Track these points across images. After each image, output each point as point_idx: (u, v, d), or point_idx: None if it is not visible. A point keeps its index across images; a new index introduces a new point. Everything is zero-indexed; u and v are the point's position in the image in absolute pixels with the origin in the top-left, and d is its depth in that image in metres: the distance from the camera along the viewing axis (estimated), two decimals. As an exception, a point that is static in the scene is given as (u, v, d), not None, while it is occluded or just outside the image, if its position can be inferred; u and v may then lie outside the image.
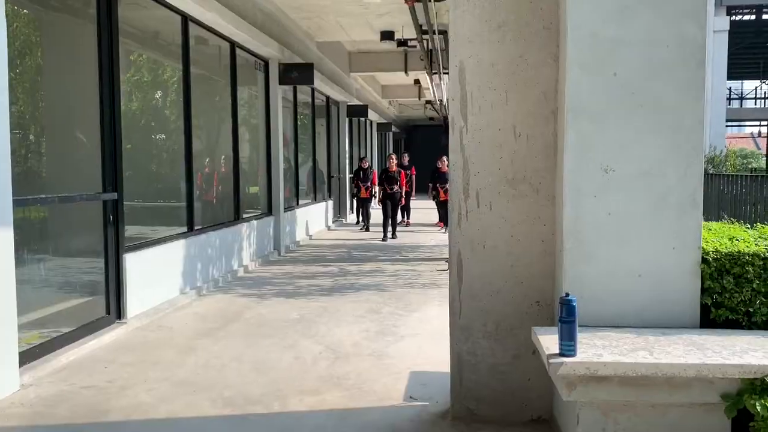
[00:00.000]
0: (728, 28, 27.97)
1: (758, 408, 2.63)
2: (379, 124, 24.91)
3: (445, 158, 13.81)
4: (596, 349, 2.89)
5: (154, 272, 6.54)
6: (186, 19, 7.46)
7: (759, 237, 3.44)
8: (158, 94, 7.67)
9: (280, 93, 10.92)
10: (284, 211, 11.18)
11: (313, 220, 13.74)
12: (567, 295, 2.88)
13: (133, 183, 6.38)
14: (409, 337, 5.56)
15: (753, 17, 36.26)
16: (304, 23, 11.76)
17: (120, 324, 5.78)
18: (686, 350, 2.86)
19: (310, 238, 13.11)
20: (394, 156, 14.08)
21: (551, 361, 2.80)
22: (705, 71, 3.17)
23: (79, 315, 5.48)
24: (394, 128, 28.25)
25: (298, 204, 12.72)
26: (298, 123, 13.12)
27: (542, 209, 3.62)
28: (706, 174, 16.83)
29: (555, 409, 3.65)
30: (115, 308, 5.84)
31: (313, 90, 13.78)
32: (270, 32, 9.94)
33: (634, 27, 3.16)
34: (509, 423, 3.68)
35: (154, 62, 7.54)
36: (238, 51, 9.28)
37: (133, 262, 6.03)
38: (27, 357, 4.54)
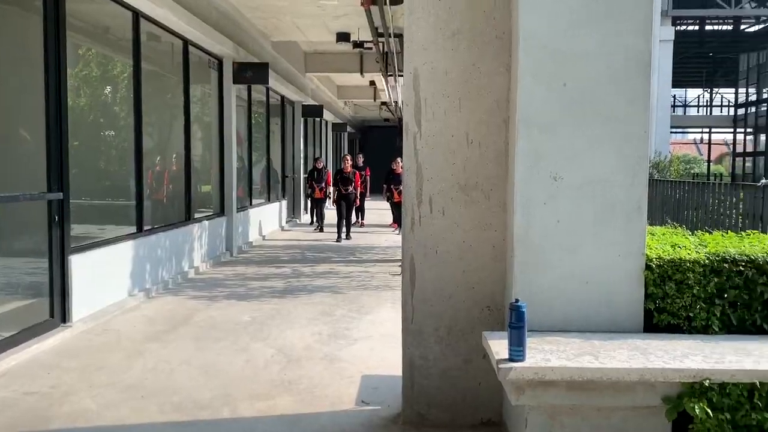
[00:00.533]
0: (673, 37, 28.89)
1: (697, 411, 2.73)
2: (334, 124, 24.84)
3: (399, 160, 13.86)
4: (544, 354, 2.95)
5: (101, 274, 6.36)
6: (137, 14, 7.29)
7: (699, 244, 3.57)
8: (107, 90, 7.46)
9: (234, 92, 10.78)
10: (237, 212, 11.04)
11: (266, 220, 13.60)
12: (517, 301, 2.93)
13: (80, 181, 6.20)
14: (361, 340, 5.57)
15: (696, 28, 37.64)
16: (260, 23, 11.64)
17: (65, 327, 5.60)
18: (630, 355, 2.95)
19: (264, 239, 12.98)
20: (349, 157, 14.07)
21: (501, 366, 2.85)
22: (650, 83, 3.27)
23: (21, 318, 5.29)
24: (349, 128, 28.24)
25: (251, 204, 12.57)
26: (253, 122, 12.97)
27: (494, 216, 3.68)
28: (652, 179, 17.37)
29: (505, 413, 3.71)
30: (60, 311, 5.67)
31: (267, 89, 13.66)
32: (224, 31, 9.80)
33: (584, 39, 3.24)
34: (460, 426, 3.72)
35: (104, 58, 7.34)
36: (191, 48, 9.12)
37: (79, 264, 5.86)
38: (-36, 363, 4.37)
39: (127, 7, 7.06)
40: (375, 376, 4.61)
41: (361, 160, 16.92)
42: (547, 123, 3.28)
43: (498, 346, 3.04)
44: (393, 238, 13.06)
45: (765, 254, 3.28)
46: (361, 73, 16.11)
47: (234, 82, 10.64)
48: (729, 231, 4.06)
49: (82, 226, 6.38)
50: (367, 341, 5.52)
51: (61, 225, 5.62)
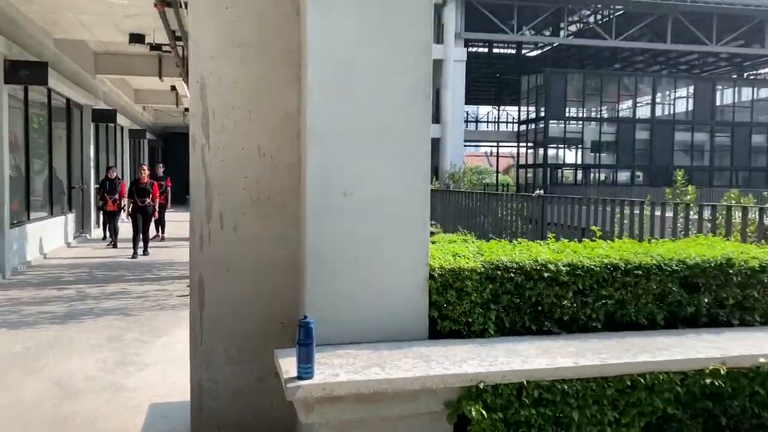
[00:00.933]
0: (466, 58, 31.40)
1: (473, 413, 2.90)
2: (131, 131, 23.21)
3: (145, 166, 13.32)
4: (333, 369, 2.95)
5: None
6: None
7: (477, 253, 3.82)
8: None
9: (5, 92, 9.58)
10: (10, 227, 9.79)
11: (48, 236, 12.25)
12: (305, 317, 2.90)
13: None
14: (153, 365, 5.19)
15: (486, 50, 41.30)
16: (37, 18, 10.48)
17: None
18: (414, 363, 3.05)
19: (45, 258, 11.67)
20: (145, 167, 13.22)
21: (288, 385, 2.79)
22: (431, 104, 3.44)
23: None
24: (149, 135, 26.61)
25: (29, 218, 11.23)
26: (31, 126, 11.62)
27: (287, 230, 3.62)
28: (448, 189, 18.61)
29: (298, 430, 3.66)
30: None
31: (49, 90, 12.34)
32: (-8, 22, 8.68)
33: (372, 58, 3.31)
34: (253, 448, 3.60)
35: None
36: (-52, 41, 7.93)
37: None
38: None
39: None
40: (164, 403, 4.31)
41: (161, 169, 16.02)
42: (336, 138, 3.29)
43: (288, 364, 2.97)
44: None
45: (532, 261, 3.59)
46: (160, 77, 15.26)
47: (6, 82, 9.46)
48: (517, 234, 4.43)
49: None
50: (159, 366, 5.16)
51: None
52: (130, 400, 4.35)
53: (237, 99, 3.53)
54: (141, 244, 12.29)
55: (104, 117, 16.32)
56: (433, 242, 4.03)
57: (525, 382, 2.97)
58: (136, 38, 11.63)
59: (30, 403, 4.29)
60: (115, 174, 14.05)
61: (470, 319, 3.48)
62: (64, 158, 14.23)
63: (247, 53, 3.51)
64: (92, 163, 16.02)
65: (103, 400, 4.35)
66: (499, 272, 3.51)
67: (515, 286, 3.53)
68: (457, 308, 3.46)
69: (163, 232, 15.24)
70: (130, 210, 12.63)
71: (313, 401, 2.86)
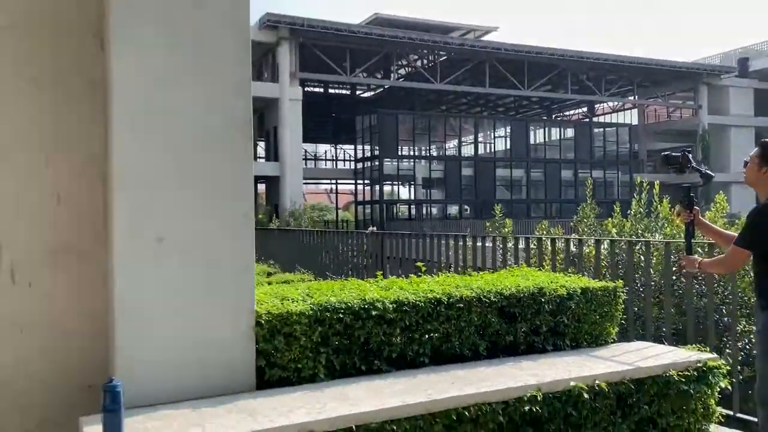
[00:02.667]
0: (302, 97, 31.75)
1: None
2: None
3: None
4: (145, 437, 2.68)
5: None
6: None
7: (307, 295, 3.73)
8: None
9: None
10: None
11: None
12: (110, 380, 2.61)
13: None
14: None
15: (322, 90, 42.10)
16: None
17: None
18: (239, 418, 2.86)
19: None
20: None
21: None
22: (251, 142, 3.33)
23: None
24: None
25: None
26: None
27: (93, 281, 3.28)
28: (287, 227, 18.44)
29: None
30: None
31: None
32: None
33: (183, 96, 3.14)
34: None
35: None
36: None
37: None
38: None
39: None
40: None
41: None
42: (146, 180, 3.07)
43: (94, 433, 2.65)
44: None
45: (360, 301, 3.57)
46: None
47: None
48: (358, 269, 4.37)
49: None
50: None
51: None
52: None
53: (29, 138, 3.17)
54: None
55: None
56: (269, 283, 3.88)
57: (354, 428, 2.90)
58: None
59: None
60: None
61: (300, 365, 3.37)
62: None
63: (41, 88, 3.18)
64: None
65: None
66: (327, 314, 3.44)
67: (344, 326, 3.47)
68: (286, 355, 3.34)
69: None
70: None
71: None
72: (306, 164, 38.76)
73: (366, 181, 35.75)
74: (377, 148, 33.75)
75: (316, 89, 41.72)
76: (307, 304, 3.49)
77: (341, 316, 3.47)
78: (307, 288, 3.94)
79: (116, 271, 3.03)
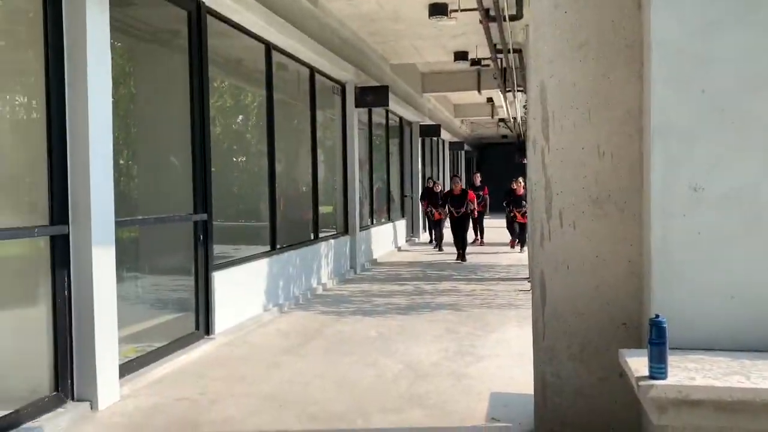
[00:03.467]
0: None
1: None
2: (451, 143, 24.95)
3: (521, 180, 13.63)
4: (688, 372, 2.81)
5: (240, 290, 6.80)
6: (269, 46, 7.79)
7: None
8: (242, 119, 8.01)
9: (356, 115, 11.18)
10: (359, 231, 11.36)
11: (386, 239, 13.88)
12: (657, 316, 2.82)
13: (219, 204, 6.68)
14: (488, 358, 5.54)
15: None
16: (379, 47, 12.01)
17: (208, 339, 6.03)
18: (788, 375, 2.74)
19: (384, 257, 13.24)
20: (457, 179, 13.89)
21: (641, 383, 2.74)
22: (800, 85, 3.05)
23: (171, 330, 5.77)
24: (466, 147, 28.20)
25: (372, 223, 12.89)
26: (373, 144, 13.34)
27: (628, 229, 3.56)
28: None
29: (644, 434, 3.55)
30: (204, 324, 6.11)
31: (387, 111, 14.01)
32: (347, 57, 10.22)
33: (722, 42, 3.09)
34: (595, 447, 3.61)
35: (239, 88, 7.90)
36: (317, 76, 9.58)
37: (220, 280, 6.30)
38: (126, 370, 4.82)
39: (261, 40, 7.57)
40: (505, 393, 4.57)
41: (478, 179, 16.84)
42: (683, 132, 3.14)
43: (637, 363, 2.92)
44: (515, 257, 12.87)
45: None
46: (479, 91, 16.12)
47: (356, 106, 11.04)
48: None
49: (222, 245, 6.86)
50: (494, 359, 5.48)
51: (206, 244, 6.08)
52: (471, 388, 4.72)
53: (576, 100, 3.60)
54: (461, 251, 12.98)
55: (429, 132, 17.89)
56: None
57: None
58: (460, 56, 12.51)
59: (389, 379, 4.95)
60: (440, 188, 15.24)
61: None
62: (397, 171, 15.99)
63: (585, 53, 3.57)
64: (419, 175, 17.65)
65: (449, 385, 4.80)
66: None
67: None
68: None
69: (482, 237, 16.02)
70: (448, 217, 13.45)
71: (667, 402, 2.77)
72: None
73: None
74: None
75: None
76: None
77: None
78: None
79: (652, 219, 3.22)
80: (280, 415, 4.24)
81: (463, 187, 14.38)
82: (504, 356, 5.56)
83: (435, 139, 20.68)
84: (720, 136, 3.12)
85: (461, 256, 12.76)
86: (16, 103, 4.66)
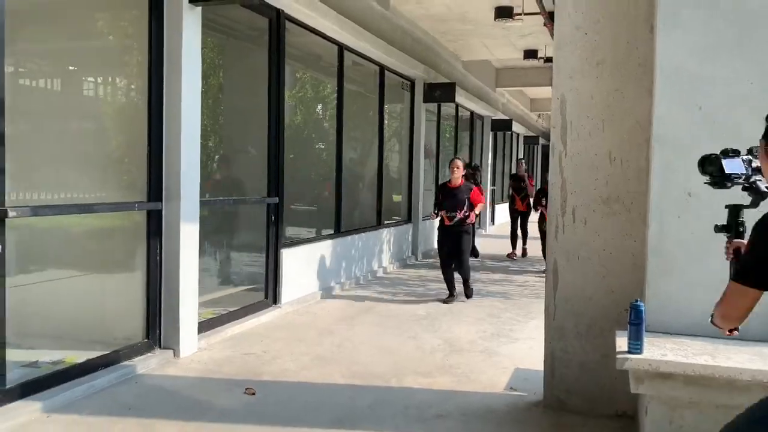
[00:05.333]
0: None
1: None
2: (526, 137, 25.05)
3: (522, 162, 13.35)
4: (663, 350, 3.30)
5: (305, 266, 7.59)
6: (341, 47, 8.50)
7: None
8: (315, 110, 8.80)
9: (423, 110, 11.76)
10: (422, 220, 11.97)
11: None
12: (636, 300, 3.32)
13: (290, 188, 7.47)
14: (522, 340, 6.06)
15: None
16: (450, 45, 12.53)
17: (275, 308, 6.85)
18: (750, 358, 3.17)
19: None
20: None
21: (618, 356, 3.26)
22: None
23: (245, 298, 6.63)
24: (542, 141, 28.15)
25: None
26: (443, 136, 13.87)
27: (633, 227, 4.03)
28: None
29: (639, 406, 4.02)
30: (272, 295, 6.93)
31: (457, 105, 14.50)
32: (417, 55, 10.80)
33: (718, 65, 3.51)
34: (596, 415, 4.11)
35: (313, 84, 8.66)
36: (386, 73, 10.23)
37: (288, 257, 7.09)
38: (203, 327, 5.67)
39: (334, 42, 8.29)
40: (528, 369, 5.10)
41: (523, 167, 16.83)
42: (680, 142, 3.58)
43: (623, 341, 3.43)
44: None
45: None
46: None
47: (424, 101, 11.61)
48: None
49: (291, 227, 7.67)
50: (527, 341, 5.99)
51: (277, 225, 6.88)
52: (499, 363, 5.28)
53: (591, 111, 4.08)
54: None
55: (501, 126, 18.19)
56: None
57: None
58: (530, 54, 12.84)
59: (426, 350, 5.58)
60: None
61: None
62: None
63: (602, 70, 4.04)
64: (489, 168, 18.02)
65: (479, 360, 5.37)
66: None
67: None
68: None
69: (524, 243, 15.02)
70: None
71: (642, 374, 3.27)
72: None
73: None
74: None
75: None
76: None
77: None
78: None
79: (650, 219, 3.68)
80: (328, 370, 4.96)
81: (478, 176, 11.53)
82: (538, 340, 6.00)
83: (508, 133, 20.92)
84: (712, 147, 3.52)
85: (454, 296, 7.88)
86: (124, 99, 5.57)
